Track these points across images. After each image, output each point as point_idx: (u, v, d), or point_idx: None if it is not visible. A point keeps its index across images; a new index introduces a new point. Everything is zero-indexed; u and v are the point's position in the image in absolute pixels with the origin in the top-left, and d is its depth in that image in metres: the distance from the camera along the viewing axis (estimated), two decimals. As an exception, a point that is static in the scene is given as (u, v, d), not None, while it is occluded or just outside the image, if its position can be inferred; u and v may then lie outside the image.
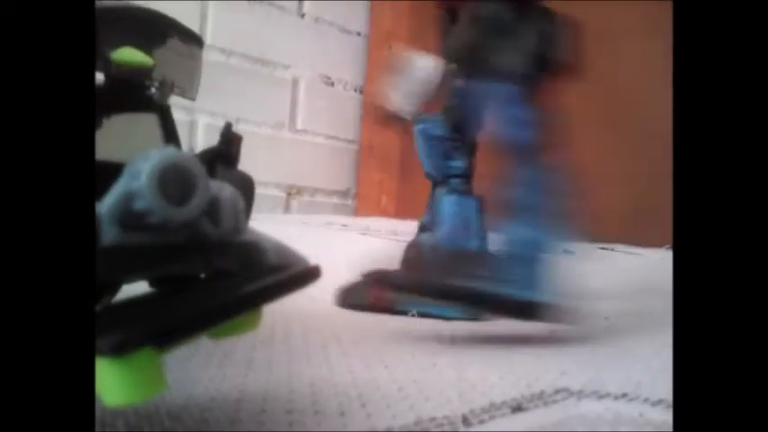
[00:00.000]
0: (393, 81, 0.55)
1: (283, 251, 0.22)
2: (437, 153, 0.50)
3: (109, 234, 0.19)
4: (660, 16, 1.15)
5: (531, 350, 0.36)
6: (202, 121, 1.09)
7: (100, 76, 0.25)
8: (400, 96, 0.53)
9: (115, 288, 0.25)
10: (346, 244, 0.95)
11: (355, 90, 1.45)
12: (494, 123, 0.44)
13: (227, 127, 0.27)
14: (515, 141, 0.42)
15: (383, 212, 1.44)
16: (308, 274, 0.21)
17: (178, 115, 0.28)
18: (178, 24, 0.28)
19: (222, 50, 1.10)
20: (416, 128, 0.51)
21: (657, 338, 0.40)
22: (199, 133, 1.12)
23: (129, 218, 0.19)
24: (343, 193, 1.54)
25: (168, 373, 0.18)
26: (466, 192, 0.51)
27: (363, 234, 1.08)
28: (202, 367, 0.30)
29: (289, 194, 1.24)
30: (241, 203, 0.21)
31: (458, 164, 0.51)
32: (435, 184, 0.51)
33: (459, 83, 0.48)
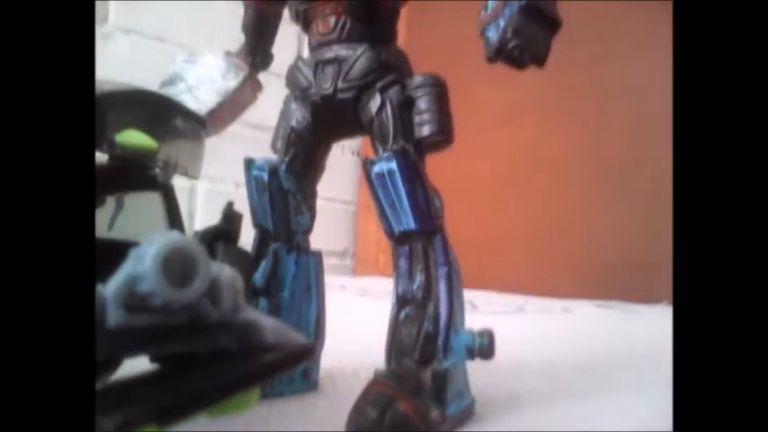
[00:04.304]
0: (173, 81, 0.47)
1: (280, 330, 0.22)
2: (282, 209, 0.43)
3: (114, 315, 0.20)
4: (653, 71, 1.18)
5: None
6: (202, 186, 1.11)
7: (105, 157, 0.27)
8: (188, 100, 0.46)
9: (117, 364, 0.26)
10: (345, 307, 0.95)
11: (353, 153, 1.48)
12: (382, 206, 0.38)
13: (229, 206, 0.28)
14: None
15: (381, 271, 1.45)
16: (303, 353, 0.22)
17: (178, 181, 0.29)
18: (182, 107, 0.30)
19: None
20: (248, 174, 0.43)
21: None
22: (198, 198, 1.13)
23: (133, 300, 0.20)
24: (342, 254, 1.54)
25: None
26: (306, 248, 0.45)
27: (362, 296, 1.08)
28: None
29: (287, 255, 1.24)
30: (240, 283, 0.22)
31: (305, 219, 0.44)
32: (267, 239, 0.43)
33: (299, 112, 0.42)
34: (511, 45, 0.33)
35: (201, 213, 1.14)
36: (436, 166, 0.40)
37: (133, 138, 0.27)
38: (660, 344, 0.47)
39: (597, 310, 1.05)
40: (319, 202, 0.46)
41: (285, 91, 0.44)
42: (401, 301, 0.37)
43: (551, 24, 0.34)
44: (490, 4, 0.35)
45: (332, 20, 0.40)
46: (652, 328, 0.83)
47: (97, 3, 1.11)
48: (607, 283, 1.22)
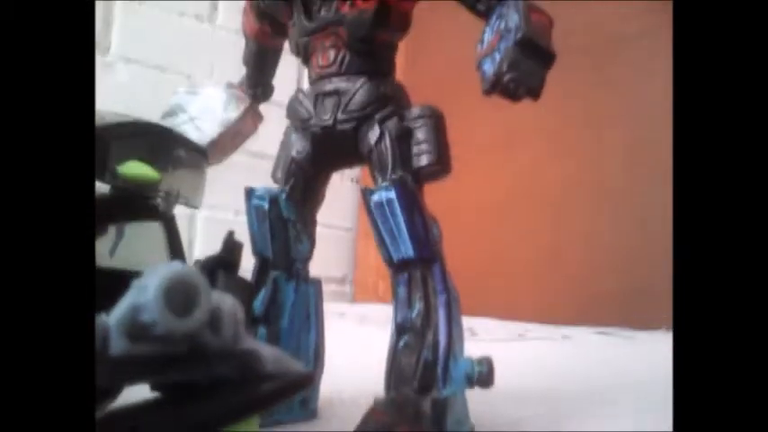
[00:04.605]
0: (175, 112, 0.49)
1: (279, 359, 0.23)
2: (281, 237, 0.43)
3: (117, 345, 0.20)
4: (651, 98, 1.19)
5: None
6: (202, 213, 1.11)
7: (107, 188, 0.27)
8: (190, 130, 0.47)
9: (118, 392, 0.26)
10: (344, 334, 0.95)
11: (352, 180, 1.48)
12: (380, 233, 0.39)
13: (230, 235, 0.28)
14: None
15: (380, 299, 1.45)
16: (303, 382, 0.22)
17: (178, 209, 0.30)
18: (183, 138, 0.30)
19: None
20: (249, 203, 0.43)
21: None
22: (198, 225, 1.14)
23: (136, 329, 0.20)
24: (341, 280, 1.54)
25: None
26: (306, 276, 0.45)
27: (361, 323, 1.08)
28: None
29: (286, 282, 1.24)
30: (240, 313, 0.22)
31: (304, 247, 0.44)
32: (267, 267, 0.44)
33: (300, 143, 0.43)
34: (506, 78, 0.34)
35: (201, 240, 1.15)
36: (436, 193, 0.41)
37: (136, 169, 0.27)
38: (660, 370, 0.47)
39: (597, 336, 1.05)
40: (319, 229, 0.46)
41: (285, 121, 0.44)
42: (400, 330, 0.38)
43: (546, 58, 0.35)
44: (486, 37, 0.36)
45: (331, 53, 0.41)
46: (651, 354, 0.83)
47: (99, 33, 1.13)
48: (607, 308, 1.22)
